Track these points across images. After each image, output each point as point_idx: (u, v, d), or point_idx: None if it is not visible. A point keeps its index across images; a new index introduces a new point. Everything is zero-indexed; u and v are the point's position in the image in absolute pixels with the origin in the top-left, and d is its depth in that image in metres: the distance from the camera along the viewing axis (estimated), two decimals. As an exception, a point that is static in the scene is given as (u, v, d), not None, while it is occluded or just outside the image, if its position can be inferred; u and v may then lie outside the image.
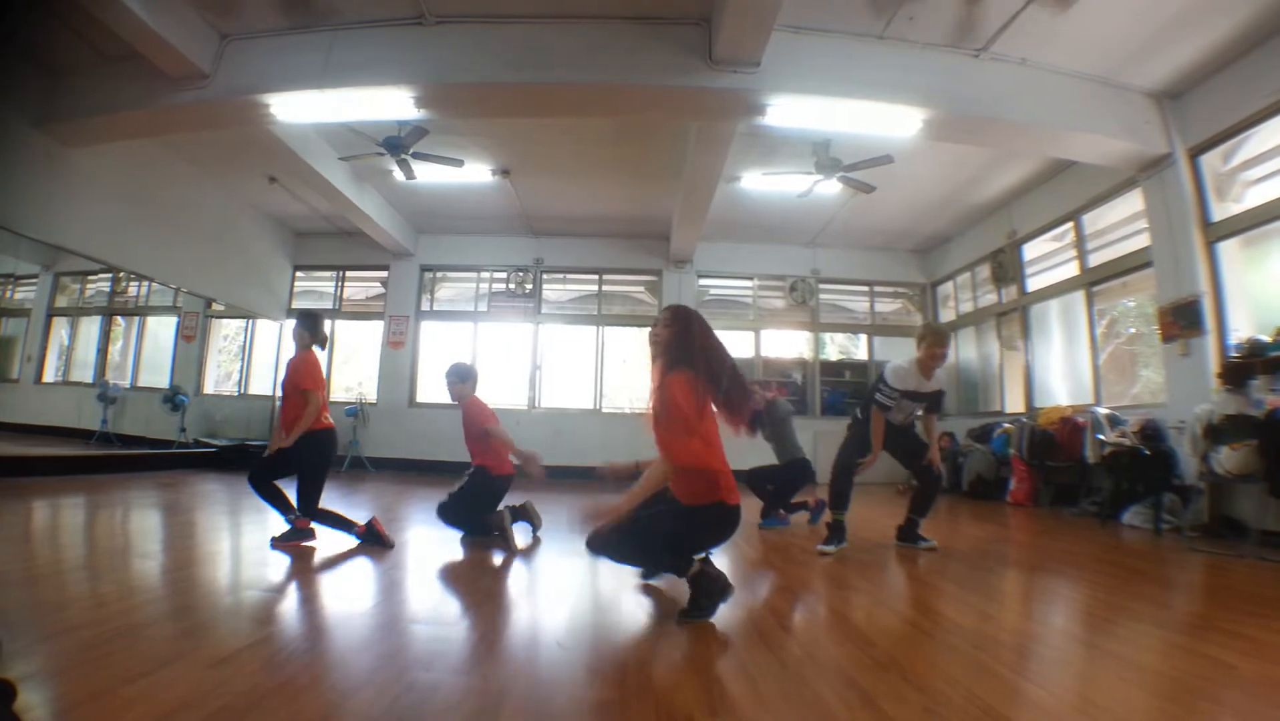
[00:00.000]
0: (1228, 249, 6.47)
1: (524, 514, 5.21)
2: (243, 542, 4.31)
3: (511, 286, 12.21)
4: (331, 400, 11.82)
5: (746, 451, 6.41)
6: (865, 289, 12.58)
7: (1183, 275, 6.61)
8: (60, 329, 13.98)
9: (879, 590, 3.72)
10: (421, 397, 12.06)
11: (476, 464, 5.13)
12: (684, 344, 3.13)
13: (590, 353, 12.05)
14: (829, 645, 2.70)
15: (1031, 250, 9.68)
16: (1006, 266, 9.92)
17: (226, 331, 13.60)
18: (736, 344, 12.22)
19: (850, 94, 6.27)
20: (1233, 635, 2.86)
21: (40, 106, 7.06)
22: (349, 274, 12.78)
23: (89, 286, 13.96)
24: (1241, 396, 5.62)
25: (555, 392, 12.07)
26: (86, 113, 7.02)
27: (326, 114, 6.77)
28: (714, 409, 3.12)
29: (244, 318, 12.73)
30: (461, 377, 5.29)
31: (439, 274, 12.62)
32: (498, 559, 4.36)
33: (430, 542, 4.94)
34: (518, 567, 4.17)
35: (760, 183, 9.17)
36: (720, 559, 4.45)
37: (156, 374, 12.62)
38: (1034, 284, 9.63)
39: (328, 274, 12.81)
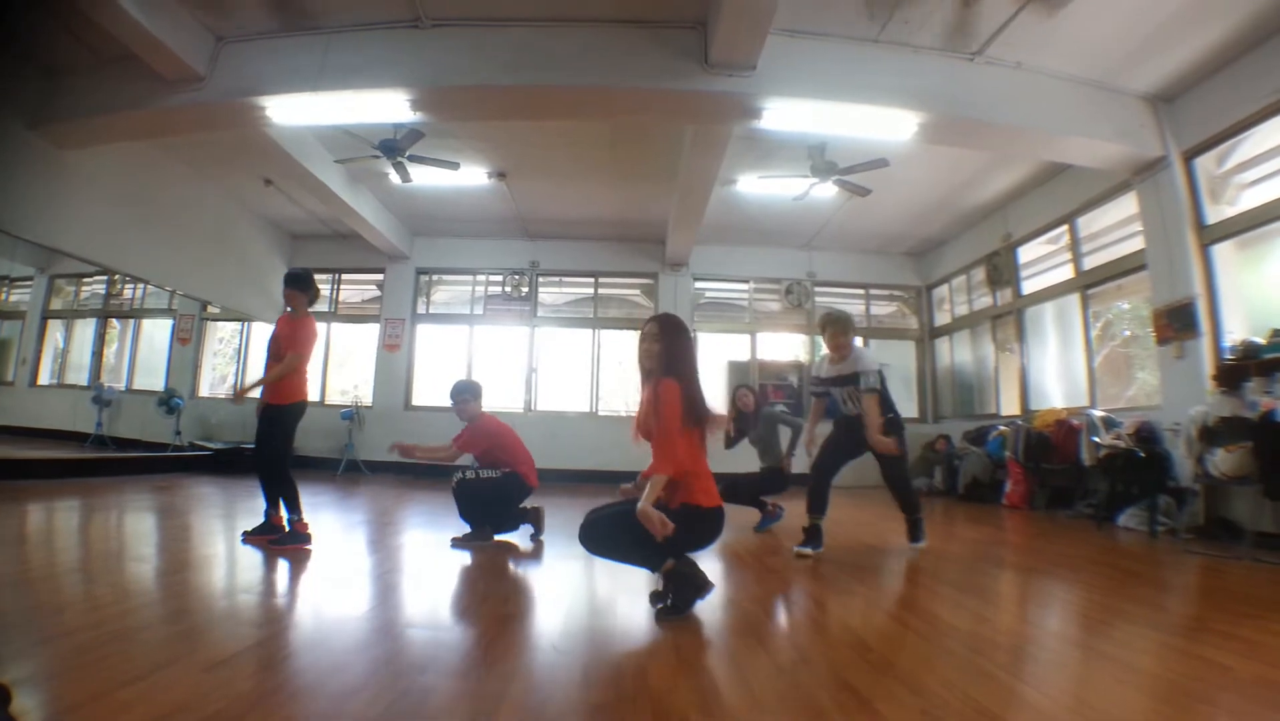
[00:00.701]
0: (1222, 251, 6.49)
1: (533, 517, 5.20)
2: (238, 546, 4.30)
3: (507, 289, 12.20)
4: (327, 403, 11.85)
5: (739, 458, 6.48)
6: (861, 292, 12.60)
7: (1177, 278, 6.63)
8: (55, 331, 13.97)
9: (874, 592, 3.73)
10: (417, 401, 12.04)
11: (511, 470, 5.09)
12: (677, 353, 3.21)
13: (586, 356, 12.05)
14: (824, 647, 2.71)
15: (1026, 253, 9.70)
16: (1001, 269, 9.95)
17: (222, 334, 13.57)
18: (732, 347, 12.28)
19: (846, 97, 6.27)
20: (1228, 636, 2.87)
21: (36, 108, 7.04)
22: (344, 277, 12.76)
23: (84, 289, 13.95)
24: (1236, 398, 5.64)
25: (551, 396, 12.06)
26: (82, 114, 7.00)
27: (322, 116, 6.76)
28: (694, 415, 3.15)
29: (239, 320, 12.70)
30: (470, 395, 5.29)
31: (435, 277, 12.61)
32: (494, 562, 4.35)
33: (426, 546, 4.93)
34: (514, 571, 4.17)
35: (756, 186, 9.18)
36: (716, 562, 4.47)
37: (152, 376, 12.60)
38: (1029, 287, 9.65)
39: (323, 276, 12.66)
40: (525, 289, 12.19)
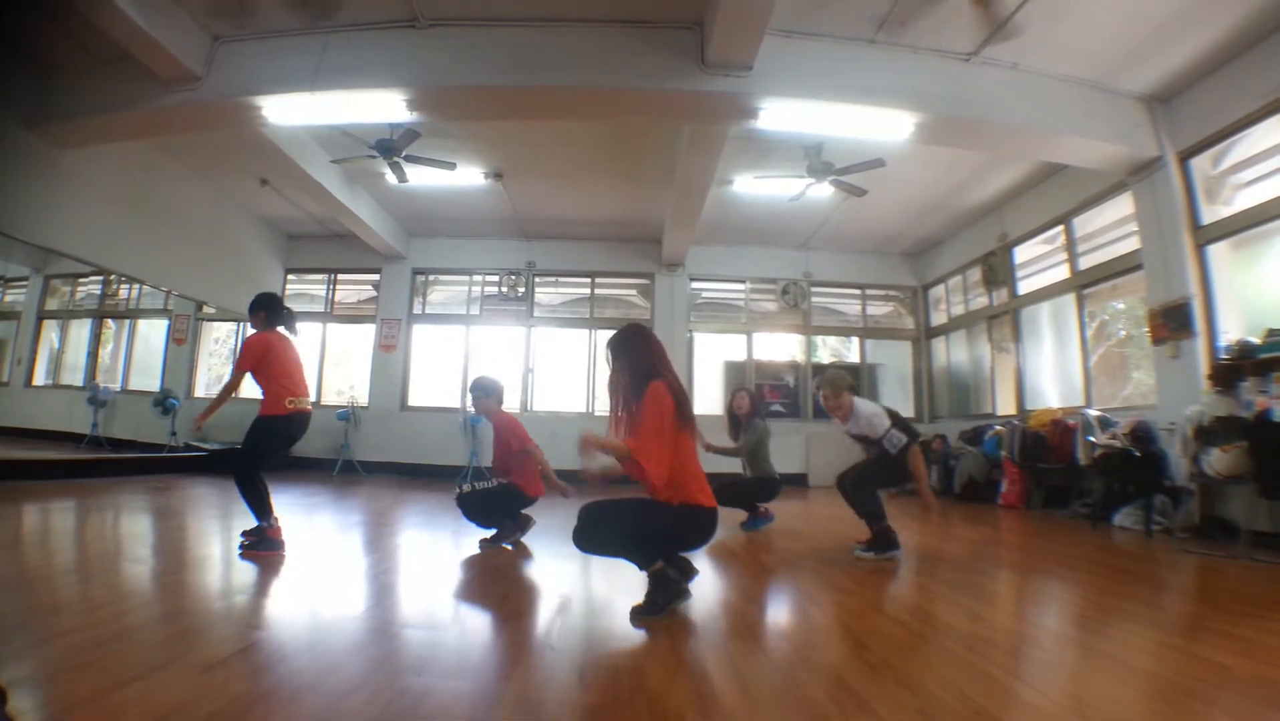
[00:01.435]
0: (1217, 251, 6.50)
1: (519, 523, 5.11)
2: (234, 547, 4.29)
3: (504, 290, 12.19)
4: (323, 404, 11.82)
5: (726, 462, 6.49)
6: (857, 292, 12.62)
7: (1173, 278, 6.65)
8: (51, 332, 13.93)
9: (871, 593, 3.73)
10: (413, 401, 12.03)
11: (509, 481, 5.04)
12: (647, 358, 3.24)
13: (583, 356, 12.06)
14: (821, 647, 2.71)
15: (1022, 253, 9.72)
16: (997, 269, 9.96)
17: (218, 335, 13.55)
18: (729, 347, 12.28)
19: (842, 98, 6.28)
20: (1225, 635, 2.88)
21: (32, 108, 7.02)
22: (341, 277, 12.73)
23: (80, 289, 13.91)
24: (1231, 398, 5.66)
25: (548, 396, 12.06)
26: (79, 114, 6.98)
27: (318, 116, 6.75)
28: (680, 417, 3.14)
29: (235, 321, 12.66)
30: (487, 393, 5.25)
31: (431, 277, 12.59)
32: (490, 562, 4.35)
33: (422, 547, 4.94)
34: (511, 572, 4.16)
35: (752, 186, 9.19)
36: (712, 561, 4.47)
37: (147, 377, 12.57)
38: (1025, 287, 9.66)
39: (319, 277, 12.76)
40: (522, 289, 12.18)
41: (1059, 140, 6.76)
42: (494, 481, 5.04)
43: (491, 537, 4.93)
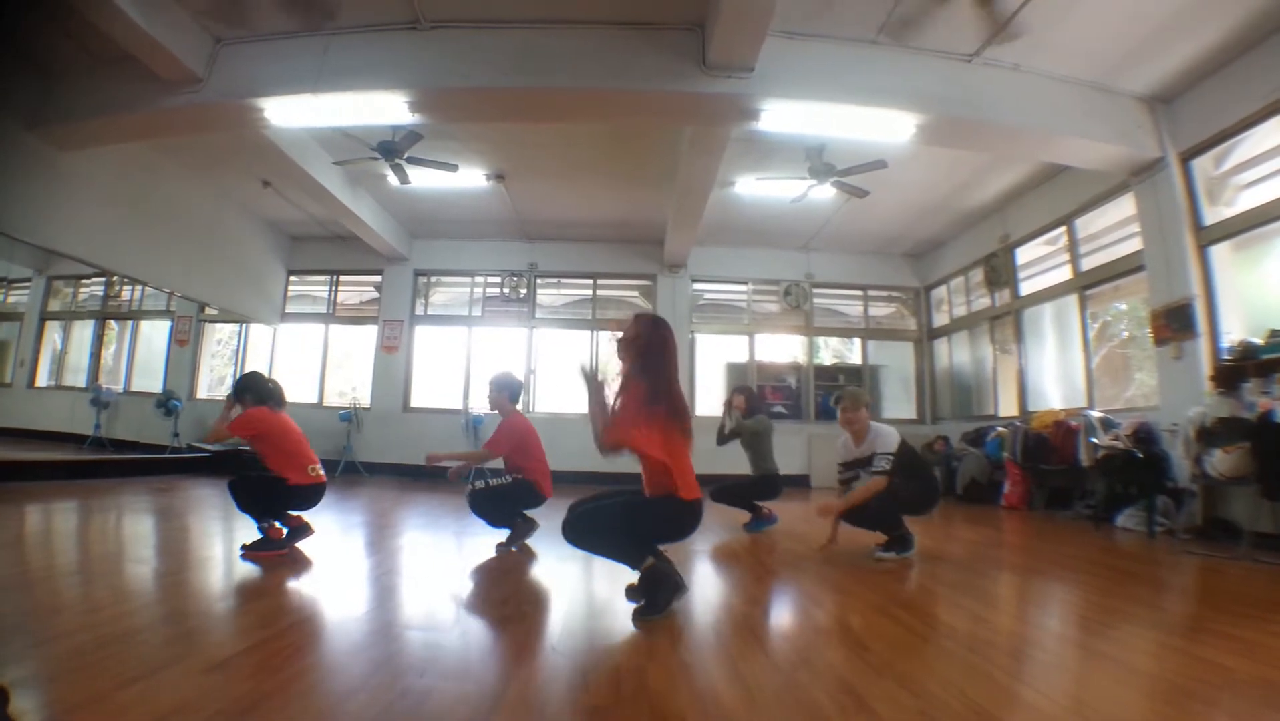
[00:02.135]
0: (1220, 252, 6.50)
1: (524, 527, 5.04)
2: (236, 548, 4.29)
3: (506, 291, 12.20)
4: (325, 404, 11.83)
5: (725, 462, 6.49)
6: (859, 293, 12.61)
7: (1175, 279, 6.64)
8: (53, 333, 13.99)
9: (873, 594, 3.72)
10: (415, 402, 12.04)
11: (523, 478, 4.97)
12: (651, 352, 3.28)
13: (585, 357, 12.03)
14: (823, 649, 2.71)
15: (1024, 254, 9.71)
16: (1000, 270, 9.96)
17: (220, 336, 13.58)
18: (731, 348, 12.28)
19: (844, 99, 6.28)
20: (1227, 637, 2.87)
21: (34, 109, 7.04)
22: (343, 278, 12.75)
23: (82, 290, 13.97)
24: (1234, 399, 5.65)
25: (550, 397, 12.06)
26: (80, 116, 7.00)
27: (321, 118, 6.77)
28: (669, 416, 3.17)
29: (238, 322, 12.69)
30: (499, 388, 5.20)
31: (433, 278, 12.61)
32: (493, 564, 4.35)
33: (424, 548, 4.94)
34: (512, 572, 4.16)
35: (754, 187, 9.19)
36: (715, 563, 4.47)
37: (150, 378, 12.61)
38: (1027, 288, 9.66)
39: (321, 278, 12.78)
40: (524, 290, 12.19)
41: (1061, 141, 6.76)
42: (508, 477, 4.95)
43: (506, 540, 4.86)
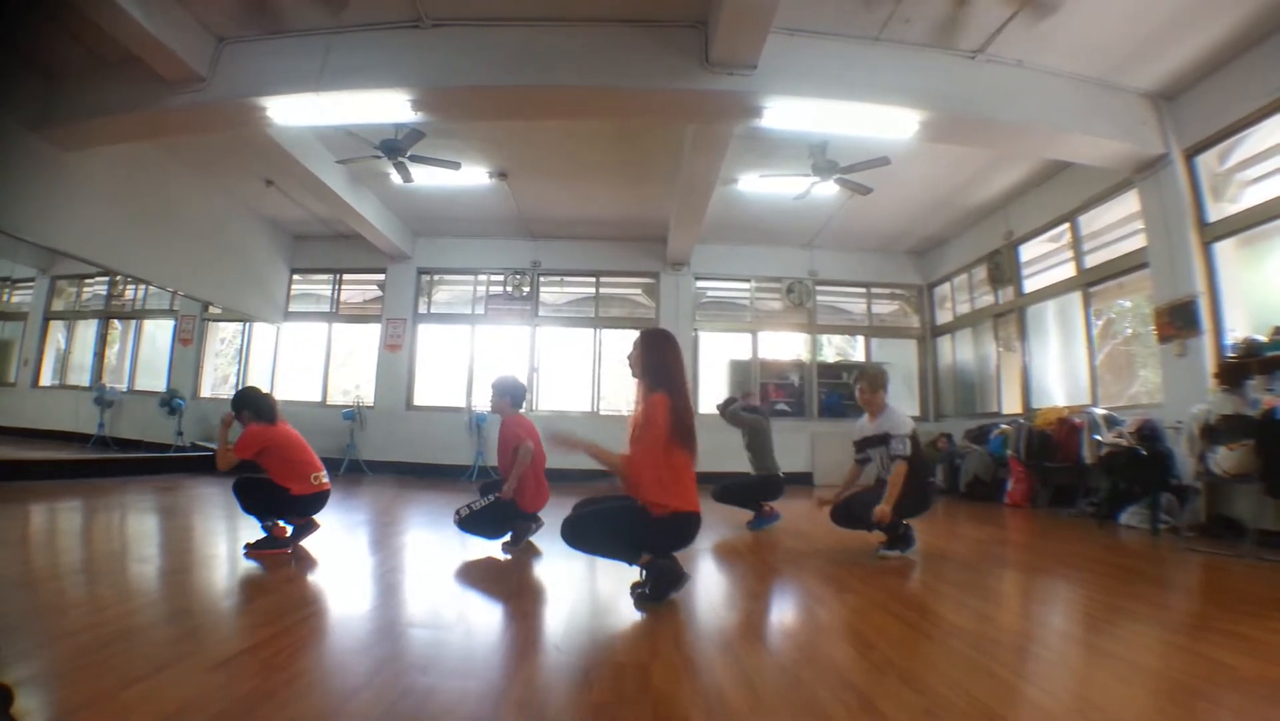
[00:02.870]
0: (1224, 249, 6.47)
1: (523, 530, 4.99)
2: (240, 546, 4.30)
3: (509, 289, 12.20)
4: (328, 403, 11.85)
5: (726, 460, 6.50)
6: (862, 290, 12.59)
7: (1179, 275, 6.62)
8: (57, 332, 14.02)
9: (876, 592, 3.72)
10: (419, 401, 12.05)
11: (503, 499, 4.81)
12: (664, 366, 3.37)
13: (587, 355, 12.05)
14: (826, 647, 2.71)
15: (1028, 251, 9.69)
16: (1003, 268, 9.93)
17: (223, 334, 13.60)
18: (734, 346, 12.27)
19: (847, 96, 6.27)
20: (1231, 635, 2.87)
21: (37, 109, 7.05)
22: (346, 277, 12.75)
23: (86, 290, 13.99)
24: (1238, 396, 5.63)
25: (553, 395, 12.07)
26: (83, 116, 7.01)
27: (323, 117, 6.76)
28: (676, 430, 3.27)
29: (241, 321, 12.71)
30: (500, 393, 5.16)
31: (436, 277, 12.61)
32: (496, 563, 4.35)
33: (427, 546, 4.94)
34: (515, 570, 4.16)
35: (757, 185, 9.17)
36: (719, 561, 4.47)
37: (153, 377, 12.64)
38: (1031, 285, 9.63)
39: (324, 277, 12.79)
40: (527, 288, 12.19)
41: (1065, 138, 6.74)
42: (490, 497, 4.83)
43: (511, 540, 4.84)
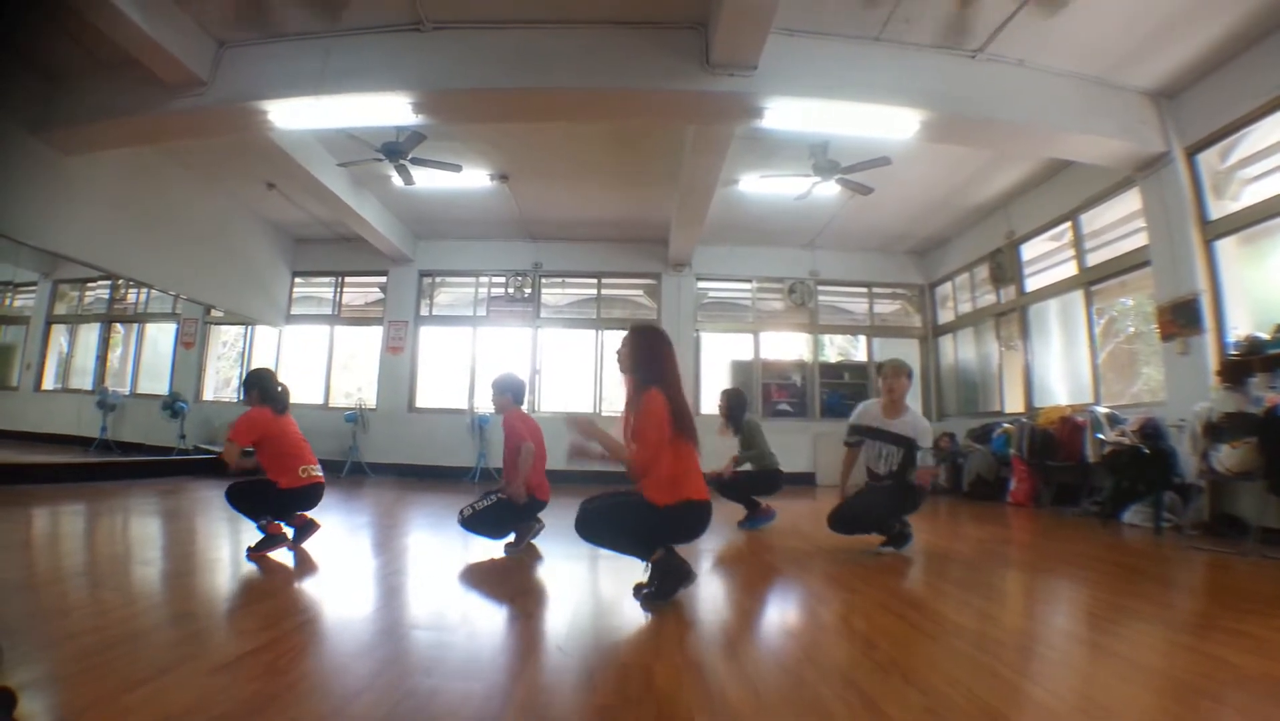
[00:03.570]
0: (1226, 247, 6.46)
1: (525, 531, 4.97)
2: (242, 549, 4.30)
3: (510, 291, 12.21)
4: (331, 406, 11.86)
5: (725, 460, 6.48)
6: (864, 290, 12.59)
7: (1181, 273, 6.62)
8: (59, 336, 14.02)
9: (878, 591, 3.71)
10: (421, 403, 12.06)
11: (505, 497, 4.80)
12: (657, 362, 3.38)
13: (589, 356, 12.06)
14: (829, 647, 2.71)
15: (1030, 250, 9.68)
16: (1005, 267, 9.92)
17: (225, 338, 13.62)
18: (735, 347, 12.27)
19: (847, 96, 6.27)
20: (1235, 633, 2.86)
21: (37, 113, 7.06)
22: (348, 279, 12.77)
23: (88, 293, 14.00)
24: (1241, 394, 5.62)
25: (555, 396, 12.08)
26: (84, 119, 7.02)
27: (324, 120, 6.77)
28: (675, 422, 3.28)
29: (243, 324, 12.73)
30: (500, 390, 5.17)
31: (438, 279, 12.62)
32: (498, 564, 4.35)
33: (430, 548, 4.94)
34: (518, 572, 4.16)
35: (758, 185, 9.18)
36: (720, 562, 4.46)
37: (156, 381, 12.64)
38: (1032, 284, 9.62)
39: (326, 280, 12.81)
40: (528, 290, 12.19)
41: (1066, 137, 6.73)
42: (493, 497, 4.82)
43: (514, 541, 4.83)
